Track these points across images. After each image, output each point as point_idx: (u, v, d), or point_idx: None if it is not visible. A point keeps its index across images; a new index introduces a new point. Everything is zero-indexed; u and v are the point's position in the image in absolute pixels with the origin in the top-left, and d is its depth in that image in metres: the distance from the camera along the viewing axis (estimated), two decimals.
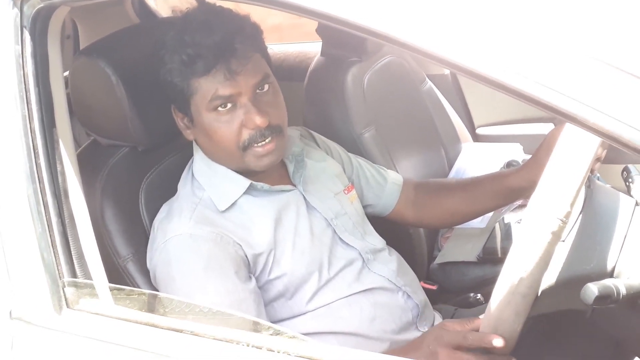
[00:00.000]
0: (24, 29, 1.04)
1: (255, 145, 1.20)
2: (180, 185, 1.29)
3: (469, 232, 1.85)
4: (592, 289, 0.86)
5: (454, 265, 1.80)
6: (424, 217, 1.55)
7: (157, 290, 1.20)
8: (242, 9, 1.20)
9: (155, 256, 1.21)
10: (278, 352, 0.95)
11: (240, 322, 1.05)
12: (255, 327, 1.03)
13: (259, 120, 1.17)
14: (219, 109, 1.18)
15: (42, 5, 1.03)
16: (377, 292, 1.30)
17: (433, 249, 1.90)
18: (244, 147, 1.20)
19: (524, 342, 0.96)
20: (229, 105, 1.18)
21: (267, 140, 1.20)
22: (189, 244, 1.17)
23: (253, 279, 1.20)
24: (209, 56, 1.15)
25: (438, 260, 1.83)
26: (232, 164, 1.25)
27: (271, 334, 1.00)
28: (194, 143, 1.29)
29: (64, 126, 1.09)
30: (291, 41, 2.67)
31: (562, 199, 0.86)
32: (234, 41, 1.16)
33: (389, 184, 1.52)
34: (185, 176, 1.30)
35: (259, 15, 1.23)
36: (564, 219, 0.86)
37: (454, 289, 1.79)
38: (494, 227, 1.82)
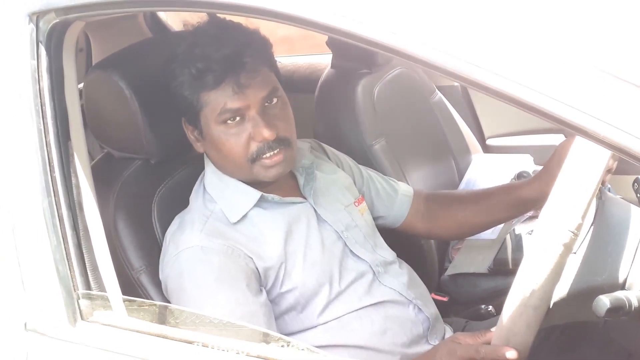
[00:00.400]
0: (40, 44, 1.05)
1: (263, 157, 1.21)
2: (192, 198, 1.30)
3: (480, 244, 1.85)
4: (604, 301, 0.86)
5: (465, 276, 1.80)
6: (434, 228, 1.55)
7: (169, 302, 1.20)
8: (252, 23, 1.21)
9: (167, 268, 1.21)
10: None
11: (252, 334, 1.06)
12: (266, 339, 1.04)
13: (266, 133, 1.18)
14: (228, 122, 1.20)
15: (57, 20, 1.05)
16: (388, 305, 1.30)
17: (444, 261, 1.90)
18: (252, 159, 1.21)
19: (536, 354, 0.96)
20: (238, 118, 1.20)
21: (274, 152, 1.21)
22: (200, 256, 1.18)
23: (264, 292, 1.21)
24: (218, 70, 1.17)
25: (449, 272, 1.83)
26: (241, 175, 1.26)
27: (282, 346, 1.00)
28: (205, 156, 1.30)
29: (79, 139, 1.10)
30: (301, 53, 2.69)
31: (573, 211, 0.87)
32: (243, 55, 1.18)
33: (399, 196, 1.52)
34: (197, 189, 1.31)
35: (269, 27, 1.24)
36: (575, 231, 0.86)
37: (465, 300, 1.78)
38: (505, 239, 1.82)
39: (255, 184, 1.26)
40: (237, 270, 1.18)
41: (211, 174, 1.29)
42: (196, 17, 1.27)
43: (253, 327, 1.07)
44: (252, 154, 1.21)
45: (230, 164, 1.25)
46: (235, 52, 1.17)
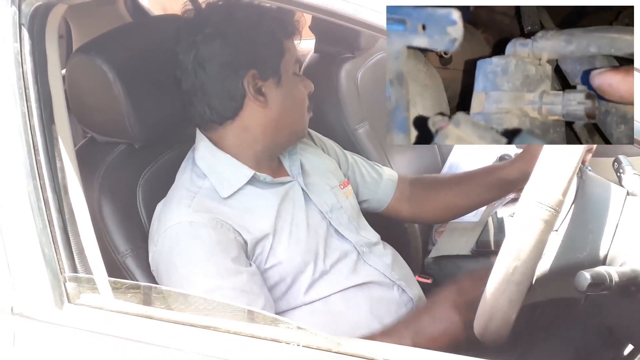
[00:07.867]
0: (22, 27, 1.05)
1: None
2: (178, 174, 1.30)
3: (463, 226, 1.87)
4: (586, 276, 0.87)
5: (448, 259, 1.82)
6: (419, 212, 1.57)
7: (157, 284, 1.21)
8: None
9: (157, 247, 1.21)
10: (278, 342, 0.96)
11: (239, 313, 1.06)
12: (255, 318, 1.04)
13: (312, 85, 1.34)
14: (295, 73, 1.30)
15: (39, 3, 1.05)
16: (373, 286, 1.31)
17: (428, 243, 1.92)
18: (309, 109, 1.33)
19: (518, 330, 0.98)
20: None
21: None
22: (189, 231, 1.18)
23: (253, 265, 1.22)
24: (294, 22, 1.28)
25: (432, 255, 1.84)
26: (267, 142, 1.29)
27: (270, 324, 1.01)
28: (198, 131, 1.30)
29: (63, 123, 1.10)
30: None
31: (554, 188, 0.88)
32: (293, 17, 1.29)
33: (384, 180, 1.53)
34: (184, 165, 1.30)
35: None
36: (556, 208, 0.88)
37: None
38: (487, 221, 1.84)
39: (262, 157, 1.30)
40: (226, 242, 1.18)
41: (204, 149, 1.28)
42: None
43: (244, 307, 1.06)
44: (307, 105, 1.33)
45: (287, 118, 1.30)
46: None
